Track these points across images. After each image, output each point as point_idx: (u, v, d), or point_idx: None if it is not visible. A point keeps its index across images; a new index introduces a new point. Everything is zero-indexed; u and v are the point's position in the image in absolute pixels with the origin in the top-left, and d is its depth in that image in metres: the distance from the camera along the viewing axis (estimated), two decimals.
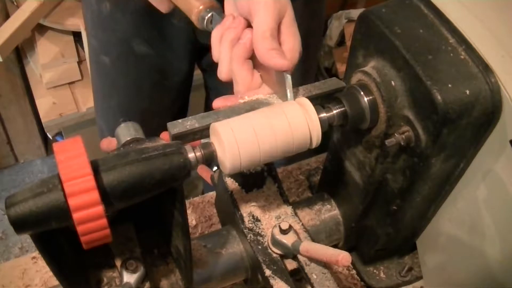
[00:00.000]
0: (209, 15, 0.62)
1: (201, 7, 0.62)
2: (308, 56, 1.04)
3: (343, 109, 0.54)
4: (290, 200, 0.66)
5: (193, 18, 0.63)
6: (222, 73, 0.58)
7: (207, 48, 0.60)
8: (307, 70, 1.07)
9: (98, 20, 0.95)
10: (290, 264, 0.60)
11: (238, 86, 0.57)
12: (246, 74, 0.56)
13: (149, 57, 0.96)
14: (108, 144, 0.59)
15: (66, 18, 1.68)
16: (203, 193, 1.41)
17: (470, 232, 0.59)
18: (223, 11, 0.61)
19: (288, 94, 0.54)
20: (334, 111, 0.54)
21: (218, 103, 0.57)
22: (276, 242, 0.60)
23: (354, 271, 0.77)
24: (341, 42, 1.98)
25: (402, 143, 0.52)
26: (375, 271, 0.75)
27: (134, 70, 1.00)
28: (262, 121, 0.50)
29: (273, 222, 0.63)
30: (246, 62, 0.56)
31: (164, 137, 0.52)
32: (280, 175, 0.88)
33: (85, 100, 1.70)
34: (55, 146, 0.41)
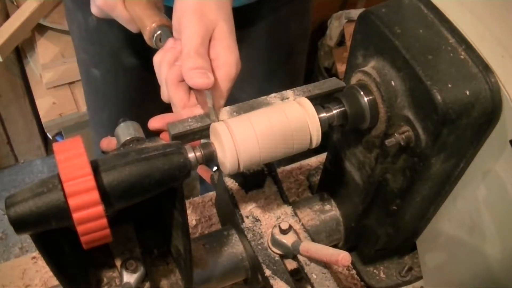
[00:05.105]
0: (158, 32, 0.62)
1: (153, 25, 0.62)
2: (295, 59, 1.05)
3: (343, 109, 0.54)
4: (290, 200, 0.66)
5: (146, 37, 0.63)
6: (163, 96, 0.58)
7: None
8: (293, 74, 1.07)
9: (86, 33, 0.94)
10: (290, 264, 0.60)
11: (175, 108, 0.56)
12: (182, 95, 0.55)
13: (139, 69, 0.95)
14: (108, 143, 0.59)
15: None
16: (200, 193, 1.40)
17: (470, 232, 0.59)
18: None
19: (211, 113, 0.53)
20: (334, 111, 0.54)
21: (155, 123, 0.56)
22: (276, 242, 0.60)
23: (354, 271, 0.77)
24: (341, 42, 1.98)
25: (402, 143, 0.52)
26: (375, 271, 0.75)
27: (124, 82, 0.98)
28: (262, 121, 0.50)
29: (273, 222, 0.63)
30: (180, 84, 0.55)
31: (164, 137, 0.52)
32: (280, 175, 0.88)
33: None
34: (55, 146, 0.41)
